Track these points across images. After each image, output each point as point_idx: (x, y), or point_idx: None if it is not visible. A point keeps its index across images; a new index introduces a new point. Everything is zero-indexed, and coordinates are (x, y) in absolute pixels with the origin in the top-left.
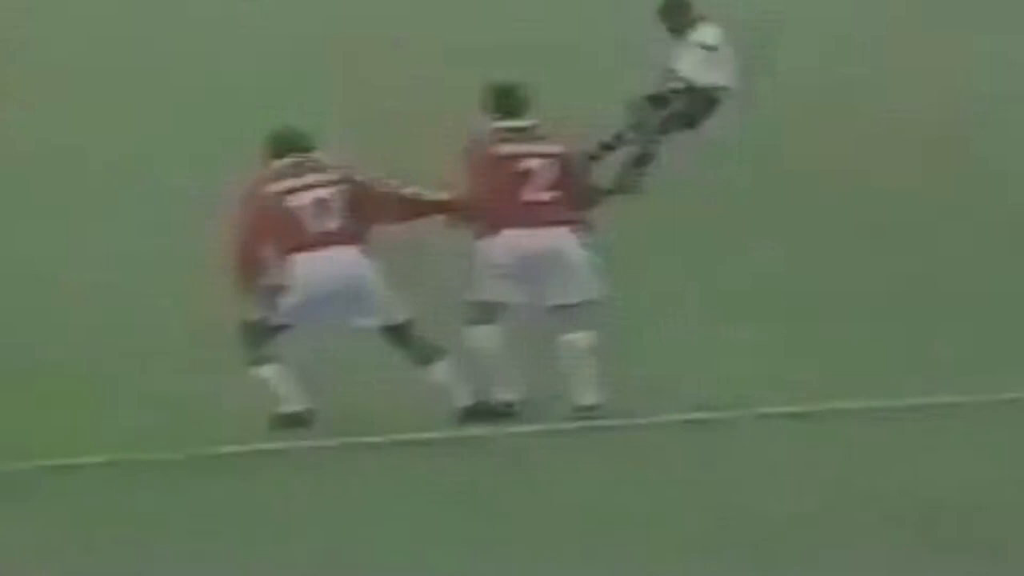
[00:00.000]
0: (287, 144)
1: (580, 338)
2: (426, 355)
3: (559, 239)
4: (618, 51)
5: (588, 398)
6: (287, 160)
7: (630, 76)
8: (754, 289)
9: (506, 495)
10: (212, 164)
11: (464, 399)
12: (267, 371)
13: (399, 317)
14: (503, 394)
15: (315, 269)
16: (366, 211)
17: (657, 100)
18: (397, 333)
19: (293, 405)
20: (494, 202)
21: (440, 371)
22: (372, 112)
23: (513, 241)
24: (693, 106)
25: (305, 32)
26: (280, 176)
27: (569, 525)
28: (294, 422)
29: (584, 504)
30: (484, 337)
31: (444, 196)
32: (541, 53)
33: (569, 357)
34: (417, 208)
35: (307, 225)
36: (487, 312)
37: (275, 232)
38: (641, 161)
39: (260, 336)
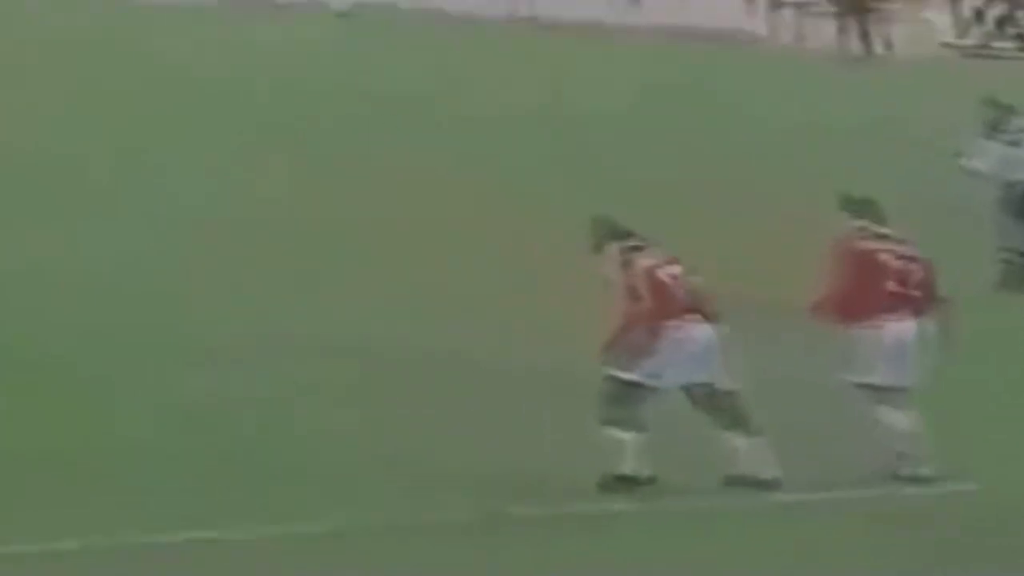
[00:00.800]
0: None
1: (908, 415)
2: (740, 424)
3: (918, 328)
4: None
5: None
6: None
7: None
8: None
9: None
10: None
11: (770, 473)
12: (625, 436)
13: (724, 384)
14: (915, 469)
15: (683, 335)
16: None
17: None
18: (714, 398)
19: (638, 470)
20: (867, 292)
21: (739, 441)
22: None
23: (893, 329)
24: None
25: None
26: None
27: None
28: (630, 486)
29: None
30: (899, 420)
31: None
32: None
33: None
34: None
35: (676, 294)
36: (890, 395)
37: (653, 298)
38: None
39: (629, 399)
